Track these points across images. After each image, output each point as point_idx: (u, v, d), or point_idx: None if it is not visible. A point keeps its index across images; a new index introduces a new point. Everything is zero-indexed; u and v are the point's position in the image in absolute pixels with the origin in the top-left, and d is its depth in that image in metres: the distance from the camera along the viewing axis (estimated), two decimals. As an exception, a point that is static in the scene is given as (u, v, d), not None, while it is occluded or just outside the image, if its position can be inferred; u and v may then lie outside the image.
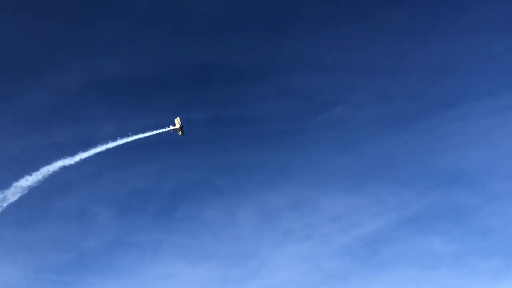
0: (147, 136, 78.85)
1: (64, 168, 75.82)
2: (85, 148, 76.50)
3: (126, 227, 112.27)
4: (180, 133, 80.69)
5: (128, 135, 77.79)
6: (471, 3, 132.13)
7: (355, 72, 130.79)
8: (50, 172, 74.81)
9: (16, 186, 73.13)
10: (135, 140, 78.14)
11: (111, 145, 77.34)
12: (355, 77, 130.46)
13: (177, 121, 79.94)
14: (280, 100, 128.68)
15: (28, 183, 73.64)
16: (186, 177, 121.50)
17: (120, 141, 77.80)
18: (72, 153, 76.07)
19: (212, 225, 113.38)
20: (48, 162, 75.29)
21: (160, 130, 79.58)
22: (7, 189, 72.69)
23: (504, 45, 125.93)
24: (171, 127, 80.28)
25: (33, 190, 74.94)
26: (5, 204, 72.66)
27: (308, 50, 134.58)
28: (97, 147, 76.37)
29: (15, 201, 73.46)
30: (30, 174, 74.03)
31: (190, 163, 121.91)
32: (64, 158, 75.68)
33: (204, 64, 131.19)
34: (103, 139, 78.14)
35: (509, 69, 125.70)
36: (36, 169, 74.56)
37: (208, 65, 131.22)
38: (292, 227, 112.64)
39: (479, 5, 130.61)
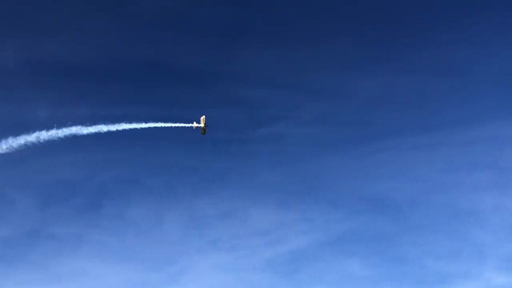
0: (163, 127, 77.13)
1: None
2: (16, 130, 72.68)
3: (46, 218, 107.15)
4: (202, 132, 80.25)
5: (139, 121, 76.63)
6: (416, 43, 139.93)
7: (301, 92, 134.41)
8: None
9: None
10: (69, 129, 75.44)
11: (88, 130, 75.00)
12: (301, 97, 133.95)
13: (203, 119, 79.32)
14: (224, 108, 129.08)
15: None
16: (117, 174, 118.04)
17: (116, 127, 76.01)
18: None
19: (137, 226, 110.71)
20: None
21: (182, 125, 78.94)
22: None
23: (443, 84, 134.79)
24: (195, 124, 79.68)
25: None
26: None
27: (260, 64, 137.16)
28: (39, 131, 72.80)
29: None
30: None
31: (122, 160, 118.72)
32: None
33: (151, 61, 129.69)
34: (36, 123, 74.94)
35: (445, 108, 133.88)
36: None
37: (155, 62, 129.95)
38: (219, 236, 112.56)
39: (422, 45, 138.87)
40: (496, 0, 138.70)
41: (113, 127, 76.66)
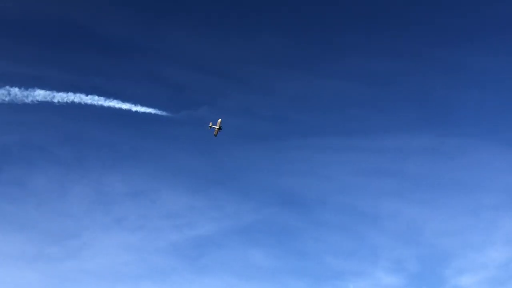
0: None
1: None
2: None
3: None
4: (215, 134, 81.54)
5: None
6: (346, 50, 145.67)
7: (228, 81, 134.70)
8: None
9: None
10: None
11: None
12: (227, 86, 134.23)
13: (219, 122, 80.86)
14: (148, 85, 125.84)
15: None
16: (22, 138, 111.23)
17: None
18: None
19: (39, 195, 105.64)
20: None
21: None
22: None
23: (364, 92, 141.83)
24: (210, 125, 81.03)
25: None
26: None
27: (191, 47, 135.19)
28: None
29: None
30: None
31: (31, 124, 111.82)
32: None
33: (77, 25, 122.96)
34: None
35: (362, 115, 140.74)
36: None
37: (81, 27, 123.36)
38: (126, 215, 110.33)
39: (351, 53, 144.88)
40: (423, 16, 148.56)
41: (26, 93, 72.28)
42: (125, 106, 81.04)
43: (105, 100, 78.69)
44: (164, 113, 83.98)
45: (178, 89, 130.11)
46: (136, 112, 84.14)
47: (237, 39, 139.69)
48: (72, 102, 77.28)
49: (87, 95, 77.42)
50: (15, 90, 71.54)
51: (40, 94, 73.45)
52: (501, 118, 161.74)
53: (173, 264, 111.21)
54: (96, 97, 77.48)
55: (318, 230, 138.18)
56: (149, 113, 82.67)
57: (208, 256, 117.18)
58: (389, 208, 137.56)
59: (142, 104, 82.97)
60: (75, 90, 77.63)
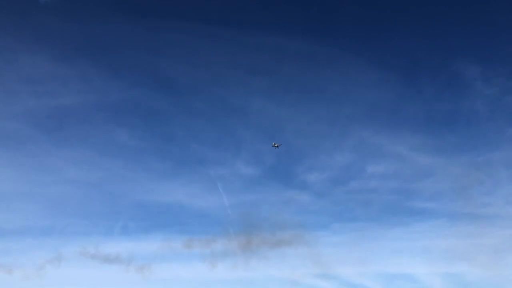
0: None
1: None
2: None
3: None
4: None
5: None
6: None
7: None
8: None
9: None
10: None
11: None
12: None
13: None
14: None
15: None
16: None
17: None
18: None
19: None
20: None
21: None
22: None
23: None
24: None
25: None
26: None
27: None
28: None
29: None
30: None
31: None
32: None
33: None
34: None
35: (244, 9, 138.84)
36: None
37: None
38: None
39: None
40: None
41: None
42: None
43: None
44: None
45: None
46: None
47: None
48: None
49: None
50: None
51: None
52: (379, 39, 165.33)
53: (29, 132, 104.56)
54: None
55: (186, 117, 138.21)
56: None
57: (69, 129, 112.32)
58: (257, 105, 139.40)
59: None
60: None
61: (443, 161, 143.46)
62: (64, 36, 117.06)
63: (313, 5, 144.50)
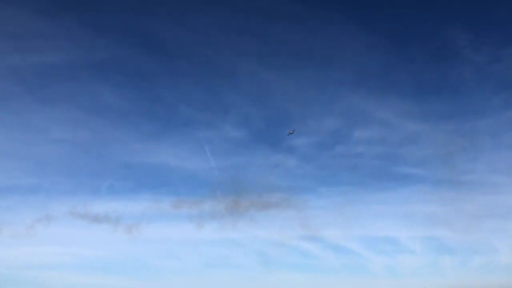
0: None
1: None
2: None
3: None
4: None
5: None
6: None
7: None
8: None
9: None
10: None
11: None
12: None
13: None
14: None
15: None
16: None
17: None
18: None
19: None
20: None
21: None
22: None
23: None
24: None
25: None
26: None
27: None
28: None
29: None
30: None
31: None
32: None
33: None
34: None
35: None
36: None
37: None
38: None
39: None
40: None
41: None
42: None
43: None
44: None
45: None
46: None
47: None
48: None
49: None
50: None
51: None
52: (370, 4, 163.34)
53: (12, 89, 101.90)
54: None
55: (174, 78, 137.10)
56: None
57: (54, 87, 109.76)
58: (246, 68, 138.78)
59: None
60: None
61: (429, 128, 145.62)
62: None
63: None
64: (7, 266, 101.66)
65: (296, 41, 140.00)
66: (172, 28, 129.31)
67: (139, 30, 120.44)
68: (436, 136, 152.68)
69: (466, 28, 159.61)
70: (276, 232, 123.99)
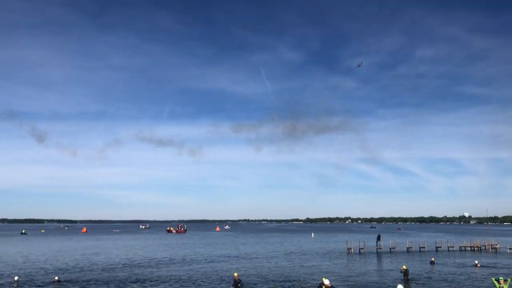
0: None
1: None
2: None
3: None
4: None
5: None
6: None
7: None
8: None
9: None
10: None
11: None
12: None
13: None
14: None
15: None
16: None
17: None
18: None
19: None
20: None
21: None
22: None
23: None
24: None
25: None
26: None
27: None
28: None
29: None
30: None
31: None
32: None
33: None
34: None
35: None
36: None
37: None
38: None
39: None
40: None
41: None
42: None
43: None
44: None
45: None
46: None
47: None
48: None
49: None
50: None
51: None
52: None
53: (72, 18, 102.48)
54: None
55: (227, 0, 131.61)
56: None
57: (112, 13, 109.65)
58: None
59: None
60: None
61: (500, 43, 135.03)
62: None
63: None
64: (84, 185, 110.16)
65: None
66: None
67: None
68: (506, 52, 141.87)
69: None
70: (335, 155, 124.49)
